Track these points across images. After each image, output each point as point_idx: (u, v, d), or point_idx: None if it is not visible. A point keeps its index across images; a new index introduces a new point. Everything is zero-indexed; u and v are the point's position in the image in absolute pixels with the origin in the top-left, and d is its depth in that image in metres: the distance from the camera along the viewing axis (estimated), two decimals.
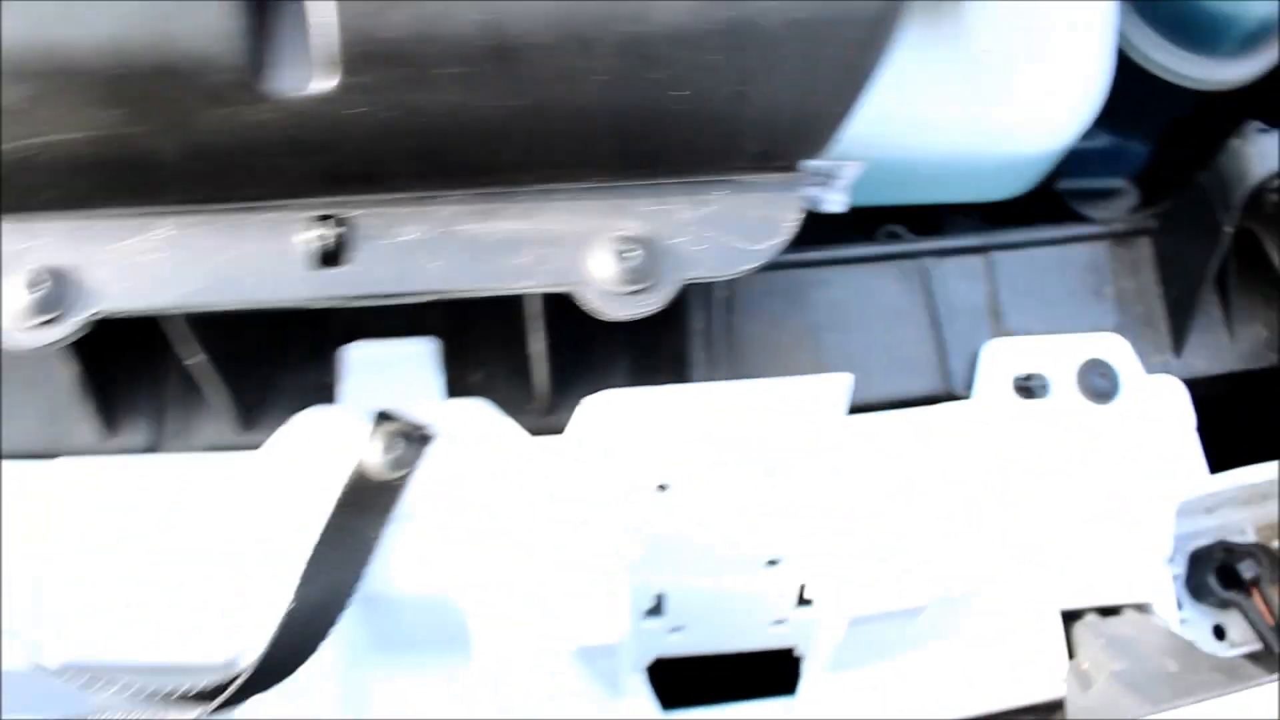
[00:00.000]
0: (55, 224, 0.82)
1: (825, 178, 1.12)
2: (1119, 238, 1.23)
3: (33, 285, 0.80)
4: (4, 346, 0.80)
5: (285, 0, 0.74)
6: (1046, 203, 1.36)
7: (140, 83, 0.71)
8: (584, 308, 0.84)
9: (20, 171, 0.77)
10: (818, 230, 0.97)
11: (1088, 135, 1.21)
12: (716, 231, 0.86)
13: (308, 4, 0.72)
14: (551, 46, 0.74)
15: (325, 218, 0.82)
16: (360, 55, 0.72)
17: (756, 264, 0.88)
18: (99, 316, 0.82)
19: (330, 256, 0.82)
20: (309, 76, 0.74)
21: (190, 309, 0.83)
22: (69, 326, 0.81)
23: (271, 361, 1.09)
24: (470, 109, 0.76)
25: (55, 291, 0.81)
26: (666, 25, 0.74)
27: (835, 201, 1.14)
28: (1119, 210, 1.37)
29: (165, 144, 0.76)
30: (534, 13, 0.72)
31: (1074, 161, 1.25)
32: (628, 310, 0.84)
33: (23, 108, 0.73)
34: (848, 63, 0.80)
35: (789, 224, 0.88)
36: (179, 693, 0.92)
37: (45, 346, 0.81)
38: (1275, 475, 1.15)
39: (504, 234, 0.84)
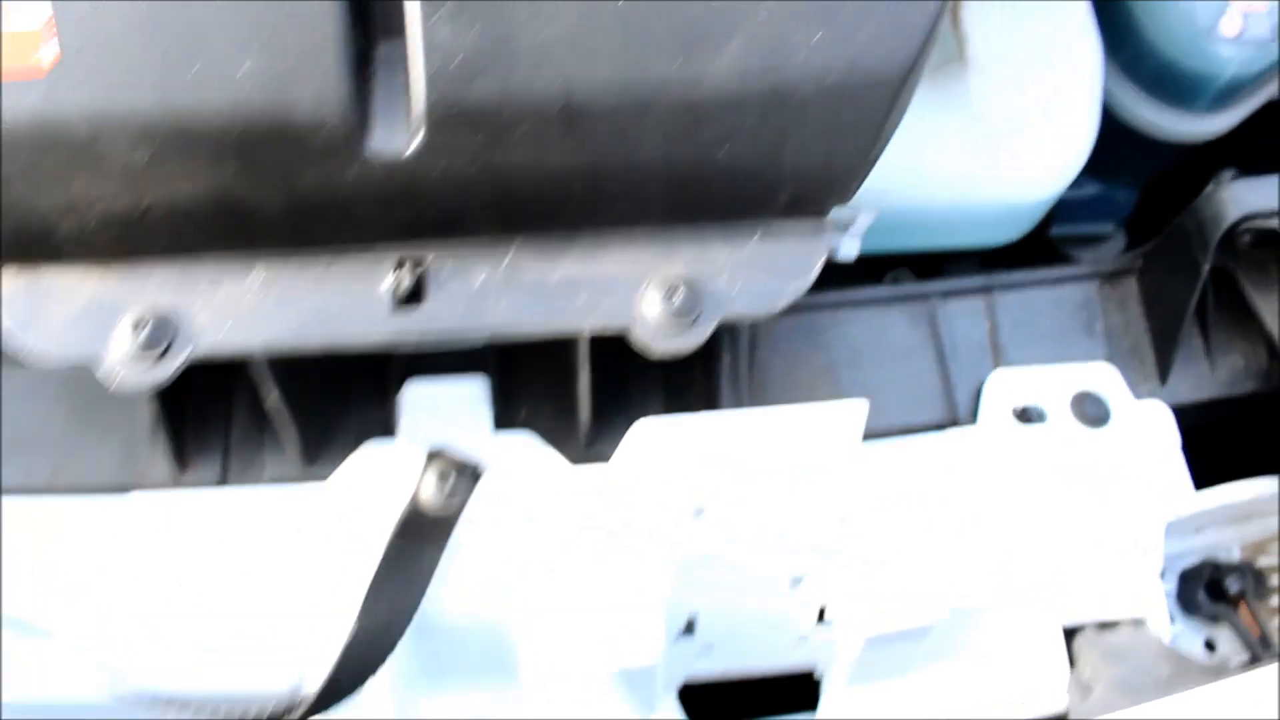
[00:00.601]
0: (159, 269, 0.88)
1: (842, 226, 1.21)
2: (1107, 277, 1.29)
3: (139, 327, 0.86)
4: (114, 387, 0.86)
5: (379, 67, 0.82)
6: (1040, 249, 1.44)
7: (256, 143, 0.79)
8: (634, 346, 0.90)
9: (136, 223, 0.84)
10: (830, 275, 1.03)
11: (1077, 184, 1.28)
12: (751, 273, 0.93)
13: (408, 72, 0.80)
14: (614, 109, 0.82)
15: (405, 263, 0.88)
16: (448, 118, 0.80)
17: (786, 302, 0.94)
18: (198, 357, 0.87)
19: (409, 299, 0.88)
20: (402, 137, 0.81)
21: (281, 351, 0.88)
22: (170, 365, 0.87)
23: (334, 399, 1.15)
24: (539, 165, 0.84)
25: (159, 333, 0.86)
26: (715, 91, 0.82)
27: (848, 248, 1.23)
28: (1108, 254, 1.45)
29: (270, 197, 0.83)
30: (600, 80, 0.81)
31: (1065, 209, 1.33)
32: (673, 346, 0.90)
33: (146, 166, 0.80)
34: (870, 121, 0.87)
35: (815, 266, 0.95)
36: (245, 718, 0.96)
37: (151, 385, 0.87)
38: (1257, 493, 1.23)
39: (563, 277, 0.90)
